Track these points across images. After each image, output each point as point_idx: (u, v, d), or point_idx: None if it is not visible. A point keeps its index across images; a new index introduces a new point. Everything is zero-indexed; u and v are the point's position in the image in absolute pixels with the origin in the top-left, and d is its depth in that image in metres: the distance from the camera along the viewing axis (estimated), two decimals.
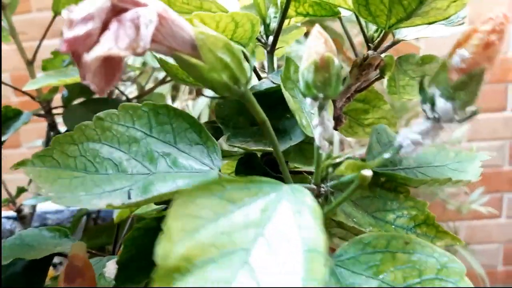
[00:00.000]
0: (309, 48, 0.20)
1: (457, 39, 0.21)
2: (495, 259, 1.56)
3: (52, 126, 0.50)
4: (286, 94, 0.25)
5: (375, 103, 0.35)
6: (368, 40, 0.31)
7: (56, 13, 0.46)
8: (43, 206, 0.54)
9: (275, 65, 0.33)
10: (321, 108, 0.21)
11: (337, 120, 0.32)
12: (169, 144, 0.27)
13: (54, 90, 0.48)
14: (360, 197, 0.29)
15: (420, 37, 0.30)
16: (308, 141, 0.29)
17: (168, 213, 0.18)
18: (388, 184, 0.29)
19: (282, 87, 0.25)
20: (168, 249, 0.17)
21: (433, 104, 0.21)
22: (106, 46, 0.17)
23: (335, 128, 0.32)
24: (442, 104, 0.21)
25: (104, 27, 0.18)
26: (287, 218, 0.19)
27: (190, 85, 0.32)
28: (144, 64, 0.46)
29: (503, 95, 1.44)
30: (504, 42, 0.20)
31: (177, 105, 0.82)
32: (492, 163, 1.45)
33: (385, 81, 0.38)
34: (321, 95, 0.20)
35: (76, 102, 0.49)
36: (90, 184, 0.25)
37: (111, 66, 0.19)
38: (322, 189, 0.25)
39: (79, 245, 0.26)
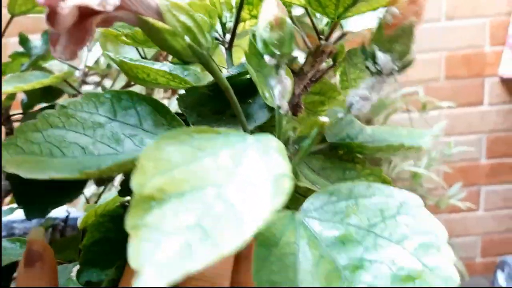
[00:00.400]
0: (264, 11, 0.23)
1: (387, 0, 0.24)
2: (474, 251, 1.59)
3: (11, 134, 0.48)
4: (250, 69, 0.27)
5: (330, 94, 0.38)
6: (319, 33, 0.34)
7: (13, 14, 0.45)
8: (10, 215, 0.51)
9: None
10: (278, 66, 0.23)
11: (296, 106, 0.34)
12: (135, 126, 0.28)
13: (12, 96, 0.47)
14: (321, 168, 0.30)
15: (366, 28, 0.33)
16: (271, 123, 0.30)
17: (140, 157, 0.19)
18: (346, 156, 0.31)
19: (246, 63, 0.27)
20: (143, 180, 0.18)
21: (374, 58, 0.24)
22: None
23: (295, 114, 0.34)
24: (381, 56, 0.23)
25: None
26: (255, 159, 0.20)
27: (150, 85, 0.33)
28: (108, 66, 0.47)
29: (480, 89, 1.50)
30: None
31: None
32: (469, 156, 1.50)
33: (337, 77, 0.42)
34: (277, 52, 0.22)
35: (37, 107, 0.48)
36: (58, 165, 0.25)
37: (82, 29, 0.20)
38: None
39: (37, 230, 0.26)
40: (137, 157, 0.23)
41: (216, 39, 0.35)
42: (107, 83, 0.58)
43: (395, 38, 0.23)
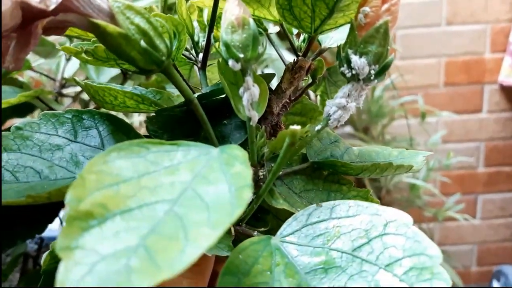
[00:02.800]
0: (225, 12, 0.21)
1: (359, 1, 0.22)
2: (469, 259, 1.53)
3: None
4: (223, 81, 0.25)
5: (311, 114, 0.36)
6: (296, 49, 0.33)
7: None
8: None
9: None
10: (244, 72, 0.21)
11: (276, 126, 0.32)
12: (96, 148, 0.26)
13: None
14: (304, 190, 0.28)
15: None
16: (246, 142, 0.28)
17: (83, 169, 0.16)
18: (331, 177, 0.29)
19: (219, 75, 0.25)
20: (81, 193, 0.15)
21: (348, 62, 0.22)
22: None
23: (274, 135, 0.31)
24: (356, 59, 0.22)
25: None
26: (216, 172, 0.18)
27: (118, 109, 0.31)
28: (87, 78, 0.45)
29: (479, 97, 1.46)
30: None
31: (133, 119, 0.74)
32: (467, 164, 1.45)
33: (318, 97, 0.40)
34: (241, 56, 0.21)
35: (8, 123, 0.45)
36: (9, 192, 0.23)
37: (27, 32, 0.19)
38: (260, 173, 0.25)
39: None
40: None
41: (189, 59, 0.34)
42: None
43: (369, 39, 0.22)
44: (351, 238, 0.20)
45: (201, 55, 0.33)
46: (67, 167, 0.25)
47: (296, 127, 0.20)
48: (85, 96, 0.53)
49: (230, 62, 0.21)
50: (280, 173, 0.28)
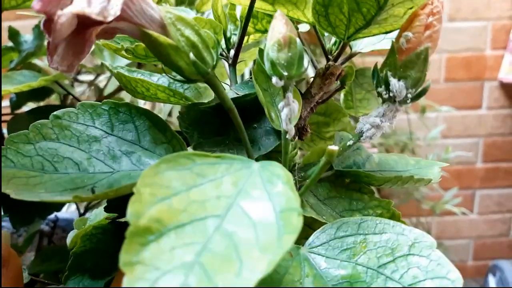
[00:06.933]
0: (272, 29, 0.21)
1: (401, 24, 0.23)
2: (466, 254, 1.57)
3: None
4: (257, 87, 0.25)
5: (335, 115, 0.36)
6: (326, 52, 0.33)
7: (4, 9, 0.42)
8: None
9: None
10: (286, 89, 0.22)
11: (303, 129, 0.32)
12: (133, 143, 0.26)
13: None
14: (328, 198, 0.29)
15: (375, 49, 0.32)
16: (277, 149, 0.29)
17: (138, 182, 0.17)
18: (353, 185, 0.30)
19: (253, 80, 0.26)
20: (139, 209, 0.16)
21: (387, 84, 0.23)
22: (79, 5, 0.17)
23: (301, 138, 0.32)
24: (394, 83, 0.22)
25: None
26: (258, 189, 0.19)
27: (149, 99, 0.32)
28: (102, 65, 0.45)
29: (478, 93, 1.48)
30: (441, 23, 0.22)
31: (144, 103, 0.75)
32: (465, 160, 1.48)
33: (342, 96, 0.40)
34: (285, 74, 0.21)
35: (24, 109, 0.46)
36: (49, 182, 0.24)
37: (81, 39, 0.19)
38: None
39: (3, 235, 0.24)
40: (135, 182, 0.22)
41: (220, 54, 0.34)
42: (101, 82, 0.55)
43: (410, 64, 0.22)
44: (377, 255, 0.22)
45: (232, 52, 0.33)
46: (105, 160, 0.26)
47: (335, 148, 0.21)
48: (100, 83, 0.54)
49: (274, 79, 0.21)
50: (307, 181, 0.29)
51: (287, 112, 0.22)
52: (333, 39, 0.33)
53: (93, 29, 0.19)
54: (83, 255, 0.30)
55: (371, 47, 0.32)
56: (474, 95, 1.49)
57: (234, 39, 0.33)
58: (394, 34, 0.26)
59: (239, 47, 0.33)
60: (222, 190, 0.19)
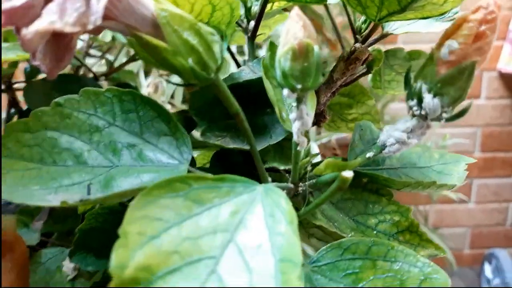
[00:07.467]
0: (286, 32, 0.18)
1: (446, 29, 0.19)
2: (462, 242, 1.61)
3: (14, 103, 0.46)
4: (267, 84, 0.23)
5: (359, 98, 0.33)
6: (355, 31, 0.29)
7: None
8: None
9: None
10: (299, 101, 0.19)
11: (320, 116, 0.30)
12: (135, 134, 0.25)
13: (14, 64, 0.43)
14: (341, 200, 0.27)
15: (410, 31, 0.28)
16: (290, 138, 0.27)
17: (125, 218, 0.16)
18: (370, 185, 0.28)
19: (263, 75, 0.23)
20: (124, 257, 0.15)
21: (420, 99, 0.20)
22: (47, 19, 0.14)
23: (318, 125, 0.30)
24: (429, 100, 0.19)
25: None
26: (259, 223, 0.17)
27: (162, 69, 0.30)
28: (113, 39, 0.43)
29: (477, 83, 1.46)
30: (495, 32, 0.18)
31: (150, 80, 0.77)
32: (463, 149, 1.48)
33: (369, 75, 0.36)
34: (299, 86, 0.18)
35: (40, 76, 0.45)
36: (46, 177, 0.23)
37: (61, 46, 0.17)
38: (300, 188, 0.24)
39: (9, 220, 0.24)
40: (123, 191, 0.21)
41: (238, 25, 0.31)
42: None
43: (450, 80, 0.19)
44: (384, 284, 0.20)
45: (252, 23, 0.30)
46: (105, 153, 0.24)
47: (349, 175, 0.19)
48: (110, 57, 0.51)
49: (285, 92, 0.19)
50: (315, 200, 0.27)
51: (299, 126, 0.20)
52: (363, 17, 0.28)
53: (72, 36, 0.17)
54: (89, 233, 0.30)
55: (405, 28, 0.28)
56: (472, 84, 1.43)
57: (255, 9, 0.29)
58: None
59: (259, 19, 0.29)
60: (219, 222, 0.17)
